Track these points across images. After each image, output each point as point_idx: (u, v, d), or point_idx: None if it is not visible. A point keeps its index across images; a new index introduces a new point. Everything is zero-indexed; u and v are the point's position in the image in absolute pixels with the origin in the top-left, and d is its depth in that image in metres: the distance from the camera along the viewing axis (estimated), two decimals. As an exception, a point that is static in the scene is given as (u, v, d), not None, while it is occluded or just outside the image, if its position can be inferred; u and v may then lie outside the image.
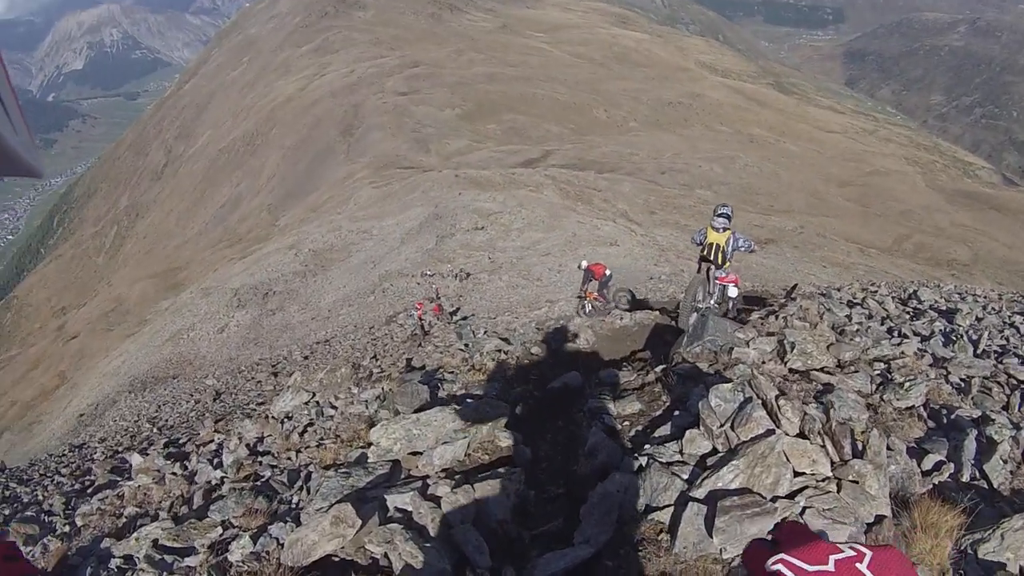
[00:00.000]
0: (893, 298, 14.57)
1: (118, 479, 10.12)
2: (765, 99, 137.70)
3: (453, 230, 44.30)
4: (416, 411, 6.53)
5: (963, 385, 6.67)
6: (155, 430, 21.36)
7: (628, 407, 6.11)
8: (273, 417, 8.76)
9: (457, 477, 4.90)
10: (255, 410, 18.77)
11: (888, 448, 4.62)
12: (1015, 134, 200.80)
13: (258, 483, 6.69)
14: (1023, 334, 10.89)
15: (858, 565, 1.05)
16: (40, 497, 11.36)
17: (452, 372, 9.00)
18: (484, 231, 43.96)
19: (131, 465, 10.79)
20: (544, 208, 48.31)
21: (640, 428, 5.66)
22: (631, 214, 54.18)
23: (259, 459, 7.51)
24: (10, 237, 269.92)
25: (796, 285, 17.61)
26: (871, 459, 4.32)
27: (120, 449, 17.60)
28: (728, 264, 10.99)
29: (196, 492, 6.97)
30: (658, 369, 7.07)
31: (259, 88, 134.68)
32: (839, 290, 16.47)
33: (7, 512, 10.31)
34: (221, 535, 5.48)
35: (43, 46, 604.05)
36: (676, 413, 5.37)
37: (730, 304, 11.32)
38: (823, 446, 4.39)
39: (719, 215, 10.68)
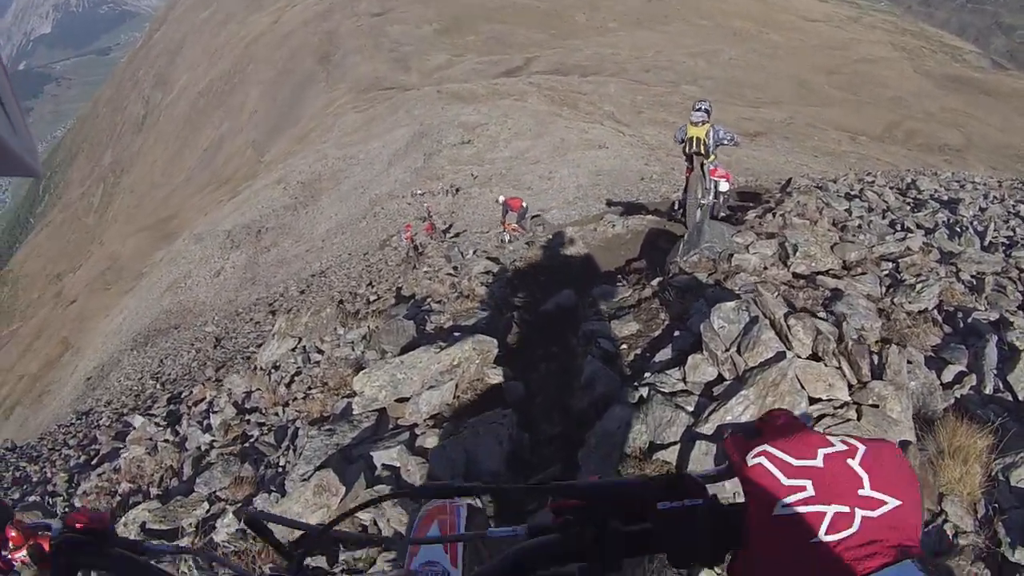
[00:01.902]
0: (891, 188, 14.10)
1: (121, 446, 9.88)
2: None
3: (440, 146, 43.77)
4: (402, 350, 6.27)
5: (975, 283, 6.23)
6: (159, 385, 21.35)
7: (625, 328, 5.70)
8: (260, 368, 8.43)
9: (446, 425, 4.61)
10: (255, 353, 18.88)
11: (907, 362, 4.27)
12: (1002, 17, 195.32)
13: (246, 445, 6.44)
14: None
15: (849, 461, 0.94)
16: (48, 475, 11.14)
17: (440, 301, 8.70)
18: (471, 144, 43.47)
19: (134, 428, 10.50)
20: (530, 116, 47.57)
21: (639, 351, 5.28)
22: (618, 115, 53.50)
23: (247, 417, 7.27)
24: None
25: (791, 179, 17.27)
26: (891, 379, 3.97)
27: (125, 411, 17.47)
28: (714, 157, 10.95)
29: (186, 461, 6.71)
30: (655, 282, 6.61)
31: (231, 26, 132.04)
32: (835, 182, 15.85)
33: (16, 496, 10.05)
34: (208, 511, 5.19)
35: (8, 16, 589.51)
36: (676, 333, 4.99)
37: (721, 199, 11.44)
38: (839, 367, 4.04)
39: (697, 109, 10.66)
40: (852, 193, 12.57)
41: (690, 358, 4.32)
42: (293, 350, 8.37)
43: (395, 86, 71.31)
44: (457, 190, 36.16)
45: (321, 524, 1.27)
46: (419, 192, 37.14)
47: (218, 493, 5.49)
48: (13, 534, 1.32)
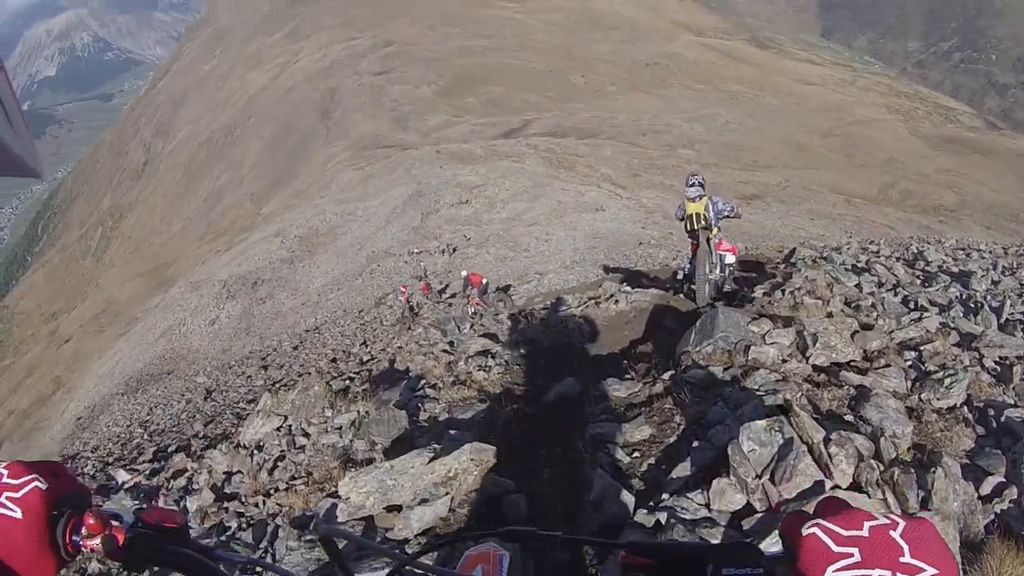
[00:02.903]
0: (899, 260, 14.03)
1: (103, 501, 9.44)
2: (742, 55, 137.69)
3: (437, 206, 44.02)
4: (393, 443, 6.02)
5: (1000, 370, 5.98)
6: (146, 436, 21.15)
7: (637, 432, 5.30)
8: (243, 446, 7.99)
9: (442, 548, 4.13)
10: (244, 409, 18.54)
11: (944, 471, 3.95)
12: (995, 77, 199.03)
13: (221, 538, 5.92)
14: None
15: (892, 532, 1.05)
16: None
17: (435, 385, 8.30)
18: (469, 205, 43.78)
19: (117, 483, 10.44)
20: (527, 178, 48.08)
21: (653, 461, 4.89)
22: (615, 178, 54.19)
23: (225, 505, 6.83)
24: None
25: (794, 249, 16.99)
26: (938, 507, 3.67)
27: (111, 460, 17.16)
28: (717, 230, 10.94)
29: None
30: (666, 376, 6.30)
31: (233, 79, 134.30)
32: (839, 251, 15.87)
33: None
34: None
35: (13, 56, 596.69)
36: (695, 444, 4.62)
37: (727, 272, 11.39)
38: (883, 499, 3.71)
39: (690, 185, 10.71)
40: (859, 266, 12.52)
41: (715, 482, 3.91)
42: (278, 430, 7.99)
43: (394, 145, 72.36)
44: (454, 250, 36.24)
45: (402, 552, 1.21)
46: (416, 250, 37.25)
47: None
48: (91, 521, 1.30)
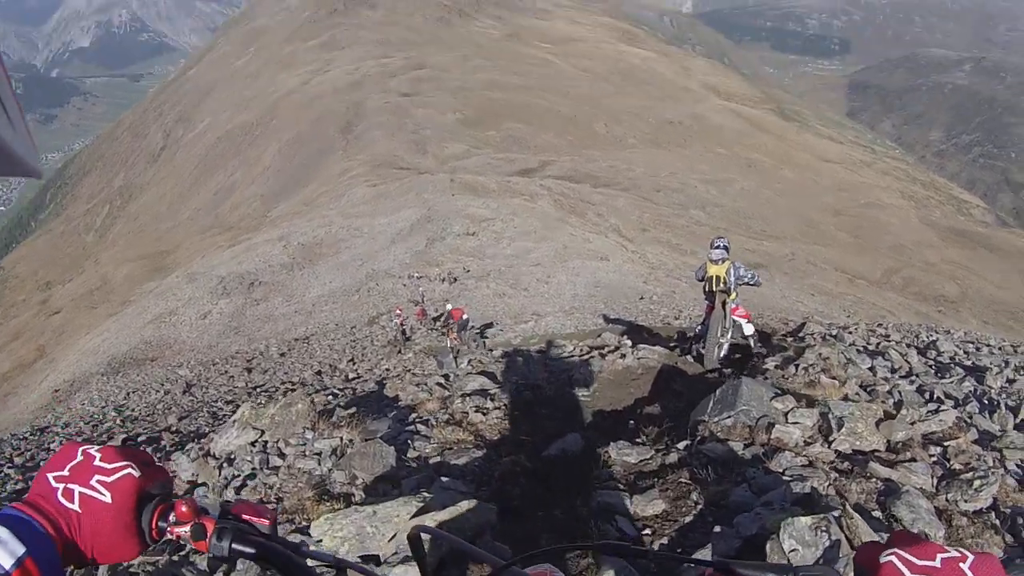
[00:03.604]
0: (908, 345, 13.77)
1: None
2: (766, 124, 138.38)
3: (444, 234, 44.05)
4: (376, 480, 5.62)
5: (1022, 474, 5.73)
6: (119, 420, 20.88)
7: (649, 506, 4.88)
8: (213, 456, 7.35)
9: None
10: (222, 409, 18.44)
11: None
12: (1012, 175, 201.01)
13: (175, 557, 5.16)
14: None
15: (961, 564, 1.14)
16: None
17: (427, 421, 7.83)
18: (475, 237, 43.81)
19: None
20: (537, 218, 48.28)
21: (667, 541, 4.49)
22: (623, 230, 54.43)
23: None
24: (2, 209, 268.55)
25: (804, 323, 17.07)
26: None
27: (80, 440, 16.50)
28: (735, 295, 11.10)
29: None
30: (681, 445, 5.94)
31: (263, 79, 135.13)
32: (848, 332, 15.77)
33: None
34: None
35: (51, 21, 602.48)
36: (717, 529, 4.22)
37: (751, 342, 11.52)
38: None
39: (715, 247, 10.92)
40: (870, 348, 12.33)
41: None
42: (253, 444, 7.37)
43: (410, 167, 72.82)
44: (455, 279, 36.10)
45: (504, 559, 1.33)
46: (416, 275, 37.10)
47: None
48: (184, 509, 1.33)
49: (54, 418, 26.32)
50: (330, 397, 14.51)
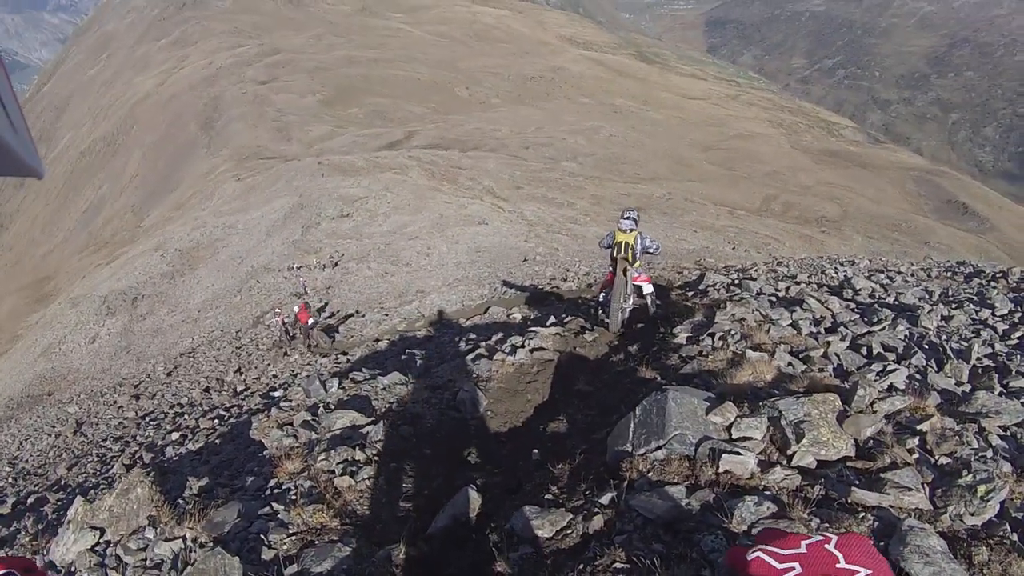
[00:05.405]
0: (820, 286, 13.78)
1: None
2: (627, 69, 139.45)
3: (318, 219, 43.69)
4: None
5: (1013, 451, 5.13)
6: (12, 476, 19.71)
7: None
8: (56, 567, 6.02)
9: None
10: (111, 449, 17.83)
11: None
12: (878, 93, 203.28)
13: None
14: (1000, 334, 9.60)
15: (826, 546, 1.25)
16: None
17: (285, 491, 6.42)
18: (350, 218, 43.56)
19: None
20: (410, 190, 48.12)
21: None
22: (497, 191, 54.37)
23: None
24: None
25: (703, 275, 16.18)
26: None
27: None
28: (639, 264, 11.54)
29: None
30: (605, 500, 4.60)
31: (118, 86, 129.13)
32: (752, 278, 14.71)
33: None
34: None
35: None
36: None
37: (648, 301, 12.03)
38: None
39: (626, 218, 11.21)
40: (781, 295, 12.13)
41: None
42: (92, 549, 6.09)
43: (276, 155, 71.27)
44: (335, 264, 36.14)
45: None
46: (296, 266, 36.95)
47: None
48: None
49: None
50: (215, 421, 14.45)
